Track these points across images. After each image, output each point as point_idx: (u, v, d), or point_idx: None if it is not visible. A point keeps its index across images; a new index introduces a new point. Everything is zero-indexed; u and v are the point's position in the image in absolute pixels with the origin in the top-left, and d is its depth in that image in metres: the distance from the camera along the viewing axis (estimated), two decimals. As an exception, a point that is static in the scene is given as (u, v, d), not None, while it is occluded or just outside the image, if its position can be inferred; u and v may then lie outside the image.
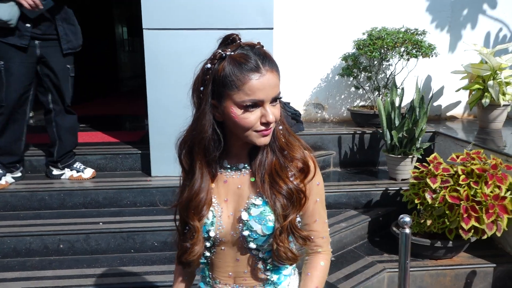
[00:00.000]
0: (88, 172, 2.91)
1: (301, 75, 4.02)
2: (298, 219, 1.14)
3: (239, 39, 1.05)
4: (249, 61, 0.99)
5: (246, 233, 1.08)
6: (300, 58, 3.97)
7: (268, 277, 1.15)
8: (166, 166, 2.80)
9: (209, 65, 1.01)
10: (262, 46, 1.06)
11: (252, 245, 1.09)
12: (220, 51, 1.01)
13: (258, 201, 1.08)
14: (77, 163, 2.95)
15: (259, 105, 1.00)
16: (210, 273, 1.19)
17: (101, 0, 8.23)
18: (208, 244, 1.13)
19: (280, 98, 1.04)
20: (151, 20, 2.70)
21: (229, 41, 1.05)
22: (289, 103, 3.75)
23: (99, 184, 2.81)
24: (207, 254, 1.16)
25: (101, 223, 2.53)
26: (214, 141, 1.06)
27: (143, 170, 3.03)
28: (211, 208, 1.11)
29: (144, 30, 2.71)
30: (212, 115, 1.04)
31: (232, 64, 0.99)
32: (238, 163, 1.12)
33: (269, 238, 1.08)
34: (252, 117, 1.00)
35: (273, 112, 1.01)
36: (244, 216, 1.08)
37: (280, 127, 1.09)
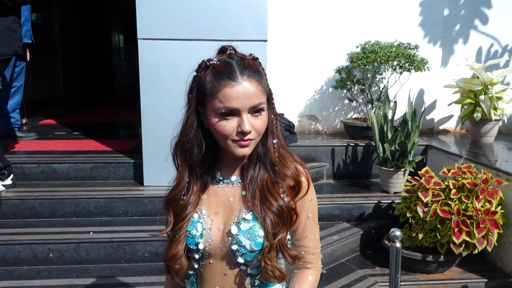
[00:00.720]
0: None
1: (295, 87, 4.05)
2: (288, 236, 1.13)
3: (232, 49, 1.07)
4: (226, 69, 1.00)
5: (234, 247, 1.07)
6: (294, 70, 4.00)
7: None
8: (158, 175, 2.79)
9: (195, 73, 1.05)
10: (255, 58, 1.07)
11: (240, 260, 1.09)
12: (205, 60, 1.04)
13: (249, 216, 1.08)
14: None
15: (235, 114, 1.00)
16: (199, 286, 1.18)
17: (100, 9, 8.28)
18: (196, 256, 1.12)
19: (260, 109, 1.01)
20: (146, 30, 2.72)
21: (221, 51, 1.08)
22: (283, 115, 3.77)
23: (91, 193, 2.79)
24: (196, 266, 1.15)
25: (91, 233, 2.51)
26: (197, 146, 1.07)
27: (136, 179, 3.02)
28: (200, 220, 1.10)
29: (139, 40, 2.72)
30: (196, 121, 1.06)
31: (212, 72, 1.01)
32: (230, 175, 1.12)
33: (258, 254, 1.07)
34: (228, 126, 1.00)
35: (251, 123, 1.00)
36: (234, 230, 1.07)
37: (275, 141, 1.09)
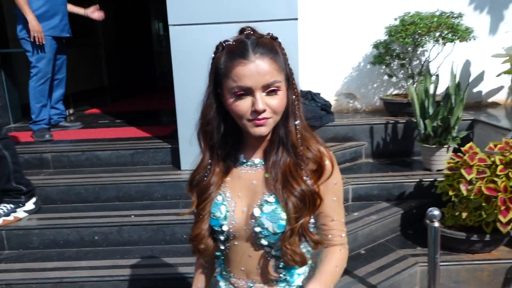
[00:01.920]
0: (28, 206, 2.67)
1: (331, 65, 3.94)
2: (312, 220, 1.12)
3: (250, 29, 1.06)
4: (240, 48, 0.99)
5: (257, 229, 1.08)
6: (329, 48, 3.89)
7: (281, 275, 1.14)
8: (195, 159, 2.83)
9: (213, 55, 1.06)
10: (273, 37, 1.05)
11: (264, 242, 1.09)
12: (222, 41, 1.04)
13: (271, 199, 1.07)
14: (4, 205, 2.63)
15: (249, 93, 0.99)
16: (226, 267, 1.20)
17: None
18: (222, 238, 1.14)
19: (276, 88, 0.99)
20: (177, 16, 2.73)
21: (240, 32, 1.07)
22: (319, 94, 3.69)
23: (132, 178, 2.90)
24: (222, 247, 1.17)
25: (133, 216, 2.62)
26: (217, 128, 1.08)
27: (173, 163, 3.09)
28: (224, 203, 1.11)
29: (170, 27, 2.74)
30: (215, 103, 1.07)
31: (226, 52, 1.01)
32: (253, 158, 1.12)
33: (281, 236, 1.07)
34: (242, 105, 1.00)
35: (266, 102, 0.99)
36: (256, 212, 1.07)
37: (296, 122, 1.06)
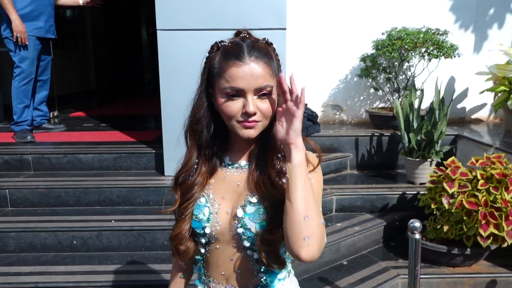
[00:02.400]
0: None
1: (319, 76, 3.98)
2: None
3: (246, 33, 1.06)
4: (235, 49, 1.00)
5: (240, 230, 1.06)
6: (317, 59, 3.93)
7: (262, 279, 1.12)
8: (179, 165, 2.81)
9: (207, 54, 1.06)
10: (268, 43, 1.06)
11: (246, 244, 1.08)
12: (218, 41, 1.04)
13: (254, 199, 1.06)
14: None
15: (241, 94, 0.99)
16: (205, 271, 1.18)
17: (129, 2, 8.43)
18: (203, 241, 1.12)
19: (268, 92, 0.99)
20: (165, 21, 2.73)
21: (236, 35, 1.08)
22: (306, 105, 3.71)
23: (114, 182, 2.85)
24: (202, 251, 1.15)
25: (113, 221, 2.57)
26: (206, 127, 1.07)
27: (157, 169, 3.06)
28: (207, 205, 1.10)
29: (158, 31, 2.74)
30: (206, 102, 1.07)
31: (221, 53, 1.01)
32: (239, 160, 1.11)
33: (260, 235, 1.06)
34: (233, 106, 1.00)
35: (257, 105, 0.99)
36: (239, 213, 1.07)
37: None
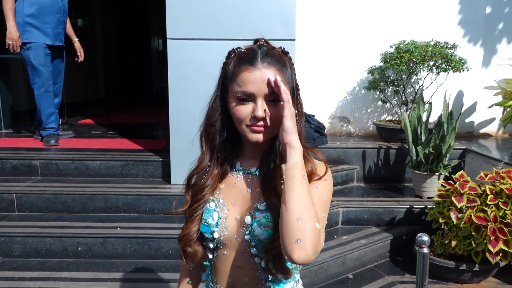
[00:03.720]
0: None
1: (327, 88, 3.98)
2: None
3: (263, 41, 1.08)
4: (249, 55, 1.01)
5: (247, 237, 1.06)
6: (325, 71, 3.94)
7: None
8: (185, 174, 2.80)
9: (224, 60, 1.08)
10: (284, 52, 1.07)
11: (254, 251, 1.07)
12: (235, 48, 1.07)
13: (262, 207, 1.06)
14: None
15: (252, 99, 1.00)
16: (213, 278, 1.17)
17: (139, 13, 8.54)
18: (211, 246, 1.12)
19: (278, 98, 0.99)
20: (175, 30, 2.76)
21: (254, 42, 1.10)
22: (313, 116, 3.71)
23: (120, 189, 2.86)
24: (210, 256, 1.15)
25: (118, 228, 2.56)
26: (220, 130, 1.09)
27: (164, 177, 3.06)
28: (217, 209, 1.10)
29: (168, 40, 2.76)
30: (220, 106, 1.08)
31: (236, 58, 1.03)
32: (250, 167, 1.11)
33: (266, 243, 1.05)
34: (243, 110, 1.01)
35: (266, 110, 0.99)
36: (248, 220, 1.06)
37: None
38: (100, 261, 2.47)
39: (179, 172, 2.90)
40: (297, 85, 1.08)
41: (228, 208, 1.10)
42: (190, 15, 2.73)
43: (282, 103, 0.99)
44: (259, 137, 1.02)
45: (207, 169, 1.11)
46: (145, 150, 3.39)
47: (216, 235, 1.09)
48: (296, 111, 1.06)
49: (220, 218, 1.09)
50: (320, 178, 1.06)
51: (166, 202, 2.76)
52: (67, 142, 3.70)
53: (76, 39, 3.91)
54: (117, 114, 5.92)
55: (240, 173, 1.11)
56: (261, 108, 0.99)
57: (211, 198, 1.11)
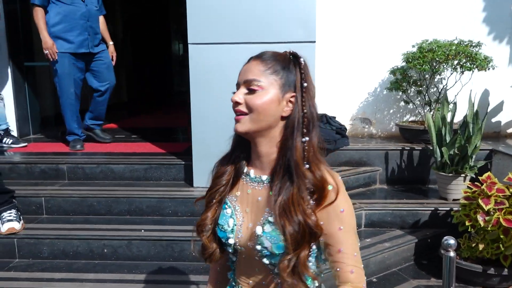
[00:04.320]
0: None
1: (348, 89, 3.95)
2: (315, 251, 1.06)
3: (290, 53, 1.09)
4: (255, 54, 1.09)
5: (258, 247, 1.06)
6: (346, 72, 3.91)
7: None
8: (207, 176, 2.83)
9: None
10: (291, 53, 1.09)
11: (266, 261, 1.07)
12: None
13: (272, 219, 1.04)
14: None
15: (239, 88, 1.06)
16: (235, 278, 1.19)
17: (160, 19, 8.67)
18: (230, 250, 1.15)
19: (257, 87, 1.01)
20: (196, 35, 2.79)
21: None
22: (334, 117, 3.69)
23: (144, 192, 2.91)
24: (233, 259, 1.18)
25: (142, 230, 2.61)
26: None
27: (186, 180, 3.10)
28: (233, 216, 1.12)
29: (189, 45, 2.80)
30: None
31: None
32: (262, 174, 1.11)
33: (280, 261, 1.03)
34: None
35: (244, 97, 1.03)
36: (258, 230, 1.06)
37: (304, 139, 1.02)
38: (126, 263, 2.51)
39: (202, 175, 2.93)
40: (305, 87, 1.03)
41: (243, 216, 1.11)
42: (211, 20, 2.76)
43: (260, 90, 1.01)
44: (237, 126, 1.04)
45: (229, 159, 1.15)
46: (167, 154, 3.44)
47: (231, 241, 1.10)
48: (303, 112, 1.03)
49: (235, 225, 1.10)
50: (336, 198, 1.00)
51: (189, 205, 2.79)
52: (93, 146, 3.79)
53: (111, 43, 3.96)
54: (139, 118, 6.02)
55: (253, 181, 1.11)
56: (237, 93, 1.03)
57: (229, 204, 1.13)
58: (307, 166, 1.01)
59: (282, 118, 1.04)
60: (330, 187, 1.01)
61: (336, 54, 3.88)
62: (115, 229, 2.65)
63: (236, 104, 1.03)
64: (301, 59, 1.06)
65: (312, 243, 1.01)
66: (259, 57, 1.05)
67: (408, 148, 3.45)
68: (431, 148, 3.10)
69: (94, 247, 2.55)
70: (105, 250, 2.55)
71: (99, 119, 3.94)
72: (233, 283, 1.20)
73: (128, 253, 2.54)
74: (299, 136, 1.02)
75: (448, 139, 2.99)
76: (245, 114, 1.02)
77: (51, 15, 3.47)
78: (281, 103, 1.03)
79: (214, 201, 1.14)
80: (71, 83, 3.60)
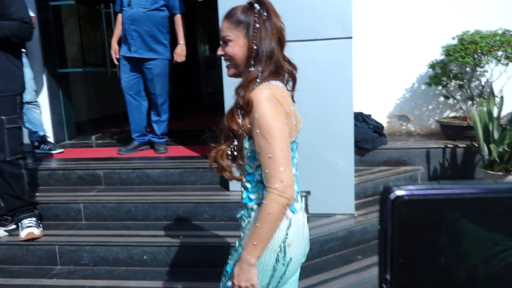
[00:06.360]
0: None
1: (383, 86, 3.81)
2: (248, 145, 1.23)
3: (249, 3, 1.31)
4: None
5: None
6: (381, 68, 3.78)
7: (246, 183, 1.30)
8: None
9: None
10: (249, 4, 1.27)
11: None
12: None
13: None
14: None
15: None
16: None
17: (187, 21, 8.71)
18: None
19: (228, 40, 1.24)
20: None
21: None
22: (370, 116, 3.56)
23: (180, 197, 2.88)
24: None
25: (181, 237, 2.58)
26: None
27: (222, 184, 3.05)
28: None
29: (222, 46, 2.74)
30: None
31: None
32: None
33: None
34: None
35: (221, 47, 1.27)
36: None
37: (250, 70, 1.23)
38: (165, 270, 2.49)
39: (237, 178, 2.87)
40: (256, 28, 1.21)
41: None
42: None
43: (230, 42, 1.24)
44: (227, 72, 1.30)
45: None
46: (201, 157, 3.40)
47: None
48: (252, 49, 1.22)
49: None
50: (253, 106, 1.17)
51: (226, 210, 2.75)
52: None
53: (181, 42, 3.86)
54: (170, 121, 6.02)
55: None
56: (220, 48, 1.28)
57: None
58: (242, 93, 1.21)
59: None
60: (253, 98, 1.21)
61: (372, 50, 3.76)
62: (154, 235, 2.63)
63: (220, 56, 1.29)
64: (255, 5, 1.24)
65: (234, 139, 1.22)
66: (226, 15, 1.27)
67: (451, 145, 3.29)
68: (477, 145, 2.94)
69: (134, 253, 2.54)
70: (145, 257, 2.53)
71: (154, 133, 3.88)
72: None
73: (167, 259, 2.51)
74: (249, 68, 1.23)
75: (496, 135, 2.83)
76: (229, 61, 1.28)
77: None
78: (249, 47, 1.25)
79: None
80: (127, 85, 3.60)
